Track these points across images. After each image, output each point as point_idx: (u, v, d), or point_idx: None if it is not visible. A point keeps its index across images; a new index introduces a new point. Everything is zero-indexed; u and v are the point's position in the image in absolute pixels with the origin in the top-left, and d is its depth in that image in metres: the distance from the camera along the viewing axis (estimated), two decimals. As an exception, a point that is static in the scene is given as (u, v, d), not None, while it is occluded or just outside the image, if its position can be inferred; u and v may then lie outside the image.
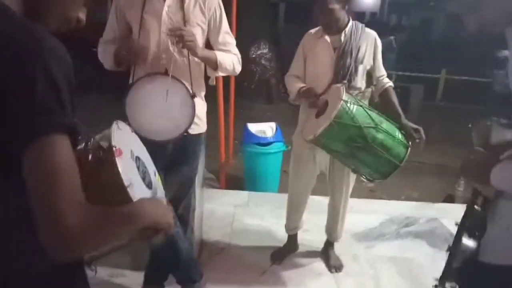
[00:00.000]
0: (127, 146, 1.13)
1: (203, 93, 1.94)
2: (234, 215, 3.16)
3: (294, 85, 2.29)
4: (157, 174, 1.32)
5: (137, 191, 1.06)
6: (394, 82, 2.37)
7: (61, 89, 0.69)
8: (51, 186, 0.67)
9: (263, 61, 8.08)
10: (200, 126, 1.92)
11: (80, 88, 0.89)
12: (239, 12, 4.24)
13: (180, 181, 1.97)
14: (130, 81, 1.79)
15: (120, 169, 1.02)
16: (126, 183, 1.02)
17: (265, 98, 8.16)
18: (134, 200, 1.04)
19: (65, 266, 0.79)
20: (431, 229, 3.15)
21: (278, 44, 8.59)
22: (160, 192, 1.31)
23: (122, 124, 1.17)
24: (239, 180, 4.01)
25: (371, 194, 4.09)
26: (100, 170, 1.04)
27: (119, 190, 1.01)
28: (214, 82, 2.03)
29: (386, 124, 2.06)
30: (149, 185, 1.20)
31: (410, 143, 2.11)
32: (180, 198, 2.00)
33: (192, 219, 2.24)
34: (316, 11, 2.19)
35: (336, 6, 2.12)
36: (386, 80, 2.29)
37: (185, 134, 1.79)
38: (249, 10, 8.40)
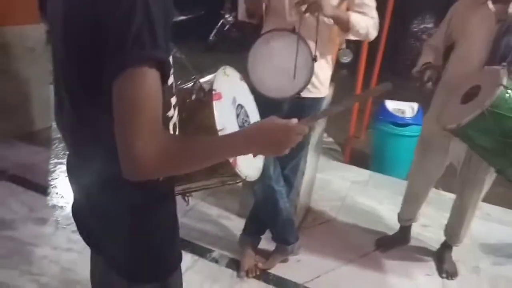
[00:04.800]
0: (230, 92, 1.16)
1: (329, 56, 1.85)
2: (348, 190, 3.04)
3: (422, 57, 2.04)
4: None
5: None
6: None
7: (156, 25, 0.71)
8: (132, 115, 0.70)
9: (425, 36, 7.29)
10: (320, 90, 1.85)
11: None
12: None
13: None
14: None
15: (215, 112, 1.05)
16: (218, 126, 1.04)
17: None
18: None
19: (155, 194, 0.86)
20: None
21: (447, 19, 7.60)
22: None
23: (230, 70, 1.19)
24: (365, 157, 3.81)
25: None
26: (198, 110, 1.09)
27: (211, 132, 1.05)
28: (349, 58, 1.91)
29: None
30: None
31: None
32: (289, 159, 1.99)
33: (299, 182, 2.23)
34: None
35: None
36: None
37: (300, 96, 1.75)
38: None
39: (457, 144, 2.01)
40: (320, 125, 2.39)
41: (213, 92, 1.05)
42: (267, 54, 1.72)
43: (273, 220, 2.02)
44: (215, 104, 1.04)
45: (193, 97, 1.08)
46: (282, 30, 1.70)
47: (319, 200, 2.80)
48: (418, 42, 7.30)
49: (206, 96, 1.06)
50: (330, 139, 4.29)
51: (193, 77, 1.16)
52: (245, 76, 1.76)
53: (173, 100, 0.90)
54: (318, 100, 1.87)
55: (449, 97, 1.91)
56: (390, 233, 2.52)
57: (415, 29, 7.34)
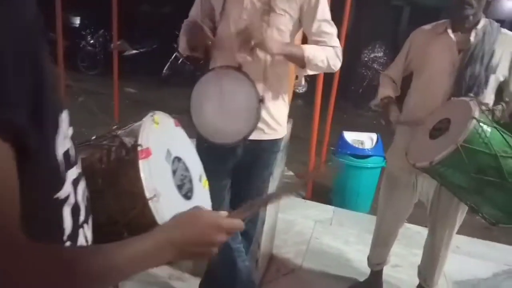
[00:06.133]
0: (162, 145, 0.92)
1: (285, 95, 1.66)
2: (313, 231, 2.83)
3: (381, 90, 1.93)
4: (203, 178, 1.09)
5: (166, 204, 0.83)
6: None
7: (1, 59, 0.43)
8: None
9: (375, 65, 7.47)
10: (277, 130, 1.65)
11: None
12: (356, 10, 3.87)
13: (248, 191, 1.72)
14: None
15: (142, 175, 0.80)
16: (148, 193, 0.80)
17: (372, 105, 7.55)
18: (157, 216, 0.81)
19: None
20: None
21: (396, 48, 7.86)
22: (203, 202, 1.08)
23: (161, 116, 0.95)
24: (326, 191, 3.64)
25: (486, 234, 3.37)
26: (119, 174, 0.84)
27: (139, 201, 0.80)
28: (304, 88, 1.75)
29: (525, 154, 1.56)
30: (187, 194, 0.97)
31: None
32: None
33: (259, 233, 1.99)
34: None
35: None
36: None
37: (255, 139, 1.55)
38: (367, 9, 7.84)
39: (425, 180, 1.88)
40: (281, 162, 2.19)
41: (139, 149, 0.80)
42: (210, 95, 1.51)
43: (231, 283, 1.74)
44: (142, 164, 0.80)
45: (112, 156, 0.83)
46: (227, 68, 1.50)
47: (283, 246, 2.56)
48: (369, 71, 7.46)
49: (130, 155, 0.81)
50: (291, 173, 4.11)
51: (114, 127, 0.91)
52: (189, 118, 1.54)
53: (72, 172, 0.63)
54: (275, 142, 1.67)
55: (415, 131, 1.78)
56: (361, 278, 2.31)
57: (366, 59, 7.49)
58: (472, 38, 1.68)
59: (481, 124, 1.47)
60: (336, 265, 2.47)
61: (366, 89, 7.47)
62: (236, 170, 1.68)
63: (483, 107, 1.68)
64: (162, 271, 2.19)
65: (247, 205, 0.82)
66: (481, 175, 1.50)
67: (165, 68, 7.88)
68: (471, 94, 1.64)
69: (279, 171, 2.21)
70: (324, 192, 3.61)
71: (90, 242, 0.68)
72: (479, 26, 1.69)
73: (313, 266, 2.43)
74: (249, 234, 1.80)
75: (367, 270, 2.28)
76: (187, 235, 0.67)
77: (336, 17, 3.39)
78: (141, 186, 0.79)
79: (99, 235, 0.72)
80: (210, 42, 1.50)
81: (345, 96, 6.78)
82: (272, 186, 2.00)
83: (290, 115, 2.02)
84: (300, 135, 3.29)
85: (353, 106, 7.22)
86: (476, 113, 1.48)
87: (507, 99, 1.77)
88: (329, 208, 3.24)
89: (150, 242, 0.64)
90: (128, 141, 0.82)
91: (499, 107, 1.74)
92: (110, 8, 4.07)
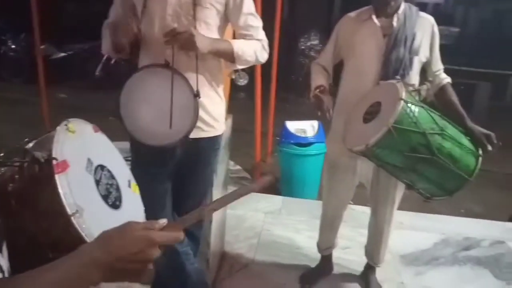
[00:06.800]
0: (81, 154, 0.85)
1: (220, 90, 1.63)
2: (263, 224, 2.84)
3: (313, 79, 1.94)
4: (132, 183, 1.04)
5: (91, 218, 0.78)
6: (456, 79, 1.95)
7: None
8: None
9: (312, 53, 7.63)
10: (215, 127, 1.61)
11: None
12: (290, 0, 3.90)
13: (190, 192, 1.68)
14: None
15: (61, 191, 0.74)
16: (69, 210, 0.74)
17: (312, 93, 7.72)
18: (83, 232, 0.75)
19: None
20: (497, 255, 2.64)
21: (330, 36, 8.10)
22: (134, 209, 1.02)
23: (76, 124, 0.88)
24: (275, 182, 3.67)
25: (424, 206, 3.57)
26: (36, 192, 0.77)
27: (61, 220, 0.74)
28: (245, 80, 1.73)
29: (451, 129, 1.67)
30: (115, 203, 0.91)
31: (480, 151, 1.70)
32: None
33: (208, 232, 1.95)
34: None
35: None
36: (444, 75, 1.88)
37: (193, 137, 1.50)
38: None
39: (364, 163, 1.93)
40: (224, 158, 2.15)
41: (54, 162, 0.73)
42: (142, 96, 1.44)
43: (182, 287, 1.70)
44: (60, 178, 0.73)
45: (25, 174, 0.75)
46: (154, 67, 1.44)
47: (234, 242, 2.54)
48: (307, 59, 7.60)
49: (44, 170, 0.74)
50: (238, 167, 4.10)
51: (25, 140, 0.83)
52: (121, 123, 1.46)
53: None
54: (215, 139, 1.64)
55: (350, 116, 1.82)
56: (313, 264, 2.36)
57: (303, 47, 7.63)
58: (394, 23, 1.75)
59: (408, 104, 1.53)
60: (288, 254, 2.49)
61: (306, 77, 7.59)
62: (177, 171, 1.63)
63: (410, 88, 1.76)
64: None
65: (190, 214, 0.78)
66: (413, 153, 1.58)
67: (98, 70, 7.49)
68: (398, 77, 1.71)
69: (223, 168, 2.18)
70: (274, 182, 3.64)
71: (6, 270, 0.62)
72: (400, 11, 1.76)
73: (266, 258, 2.44)
74: (195, 235, 1.76)
75: (318, 256, 2.33)
76: (114, 253, 0.61)
77: (270, 8, 3.40)
78: (61, 203, 0.73)
79: (21, 259, 0.65)
80: (136, 32, 1.41)
81: (286, 86, 6.87)
82: (217, 183, 1.97)
83: (232, 109, 1.99)
84: (245, 128, 3.28)
85: (295, 95, 7.34)
86: (403, 95, 1.54)
87: (430, 79, 1.86)
88: (278, 198, 3.27)
89: (72, 265, 0.59)
90: (41, 155, 0.75)
91: (424, 86, 1.84)
92: (30, 9, 3.79)
